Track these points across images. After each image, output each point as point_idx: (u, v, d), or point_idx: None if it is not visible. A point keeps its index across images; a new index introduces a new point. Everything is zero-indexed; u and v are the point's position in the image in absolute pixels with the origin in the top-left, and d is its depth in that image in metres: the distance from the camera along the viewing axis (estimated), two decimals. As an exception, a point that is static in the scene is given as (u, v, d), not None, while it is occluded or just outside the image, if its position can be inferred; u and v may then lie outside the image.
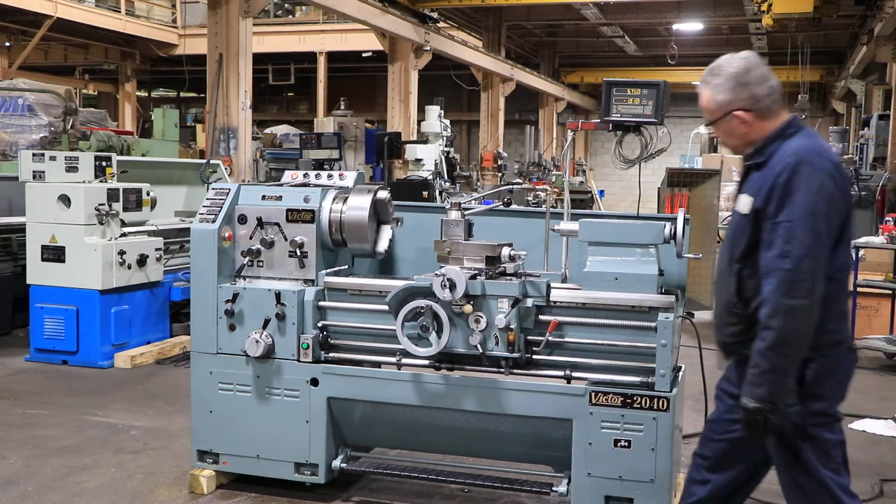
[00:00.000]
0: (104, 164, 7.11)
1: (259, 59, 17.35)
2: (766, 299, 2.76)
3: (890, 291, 7.87)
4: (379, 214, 4.40)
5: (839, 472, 2.92)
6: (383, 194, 4.40)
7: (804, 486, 2.94)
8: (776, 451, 2.97)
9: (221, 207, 4.26)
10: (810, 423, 2.87)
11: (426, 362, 4.03)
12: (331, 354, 4.20)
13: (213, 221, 4.22)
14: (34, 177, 6.99)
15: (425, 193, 11.15)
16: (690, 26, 21.59)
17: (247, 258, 4.23)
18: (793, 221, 2.74)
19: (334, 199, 4.27)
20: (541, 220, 4.40)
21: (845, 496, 2.91)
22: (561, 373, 3.92)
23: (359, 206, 4.23)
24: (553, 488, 3.96)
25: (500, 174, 18.87)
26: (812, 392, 2.86)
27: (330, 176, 4.62)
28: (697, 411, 5.00)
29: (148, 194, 7.32)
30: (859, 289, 7.79)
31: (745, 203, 2.93)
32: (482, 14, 21.68)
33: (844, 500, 2.91)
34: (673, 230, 3.88)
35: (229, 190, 4.33)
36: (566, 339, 3.93)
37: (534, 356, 3.96)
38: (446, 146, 14.10)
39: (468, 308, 3.81)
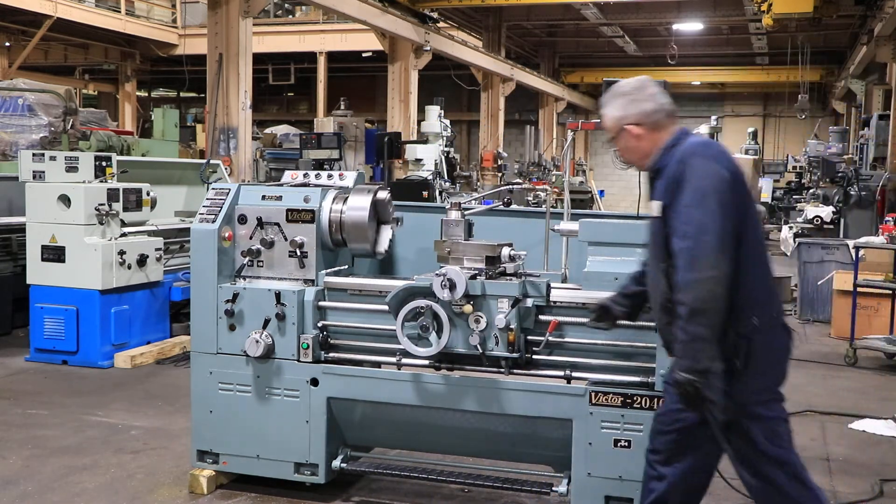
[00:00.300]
0: (104, 164, 7.11)
1: (259, 59, 17.35)
2: (677, 280, 2.94)
3: (890, 291, 7.87)
4: (379, 214, 4.40)
5: (789, 450, 3.03)
6: (383, 194, 4.40)
7: (760, 467, 3.03)
8: (725, 440, 3.04)
9: (221, 207, 4.26)
10: (752, 402, 3.01)
11: (426, 362, 4.03)
12: (331, 354, 4.20)
13: (213, 221, 4.22)
14: (34, 177, 6.99)
15: (425, 193, 11.15)
16: (690, 26, 21.60)
17: (247, 258, 4.23)
18: (688, 205, 2.94)
19: (334, 199, 4.27)
20: (541, 220, 4.40)
21: (803, 471, 3.02)
22: (561, 373, 3.92)
23: (359, 206, 4.23)
24: (553, 488, 3.96)
25: (500, 174, 18.88)
26: (748, 371, 2.99)
27: (330, 176, 4.62)
28: (697, 411, 5.01)
29: (148, 194, 7.32)
30: (859, 289, 7.79)
31: (655, 207, 3.13)
32: (482, 14, 21.68)
33: (803, 475, 3.02)
34: (673, 230, 3.88)
35: (229, 190, 4.33)
36: (566, 339, 3.93)
37: (534, 356, 3.96)
38: (446, 146, 14.11)
39: (468, 308, 3.81)
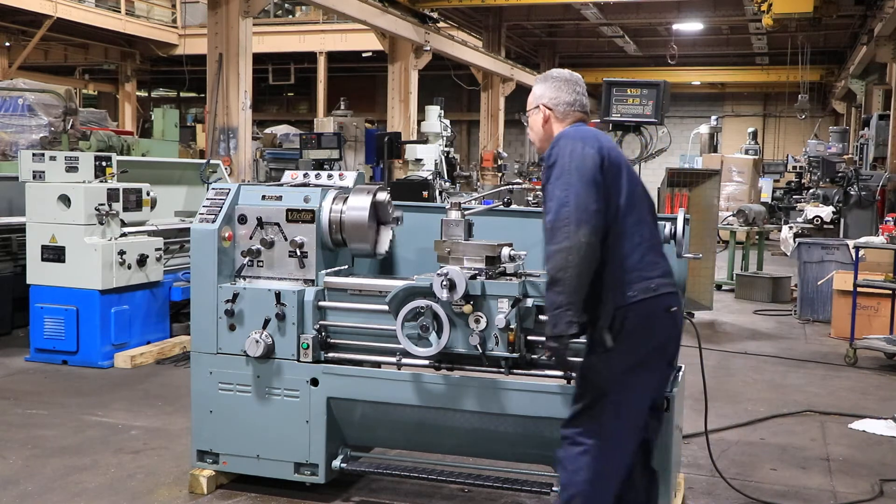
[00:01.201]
0: (104, 164, 7.10)
1: (259, 59, 17.37)
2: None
3: (890, 291, 7.87)
4: (379, 215, 4.39)
5: (620, 442, 3.15)
6: (383, 195, 4.40)
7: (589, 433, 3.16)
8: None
9: (221, 207, 4.26)
10: (614, 373, 3.12)
11: (426, 362, 4.02)
12: (331, 354, 4.20)
13: (213, 221, 4.22)
14: (34, 177, 6.99)
15: (425, 193, 11.15)
16: (690, 26, 21.61)
17: (247, 258, 4.23)
18: (552, 182, 3.11)
19: (334, 199, 4.27)
20: (541, 220, 4.38)
21: (616, 463, 3.15)
22: (561, 373, 3.92)
23: (359, 207, 4.23)
24: (553, 488, 3.96)
25: (500, 174, 18.88)
26: (622, 344, 3.09)
27: (330, 176, 4.61)
28: (697, 411, 5.01)
29: (148, 194, 7.31)
30: (859, 289, 7.79)
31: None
32: (482, 14, 21.68)
33: (611, 464, 3.14)
34: (673, 230, 3.88)
35: (229, 190, 4.33)
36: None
37: (534, 356, 3.95)
38: (446, 146, 14.10)
39: (468, 308, 3.80)
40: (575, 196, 3.02)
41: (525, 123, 3.50)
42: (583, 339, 3.24)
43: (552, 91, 3.38)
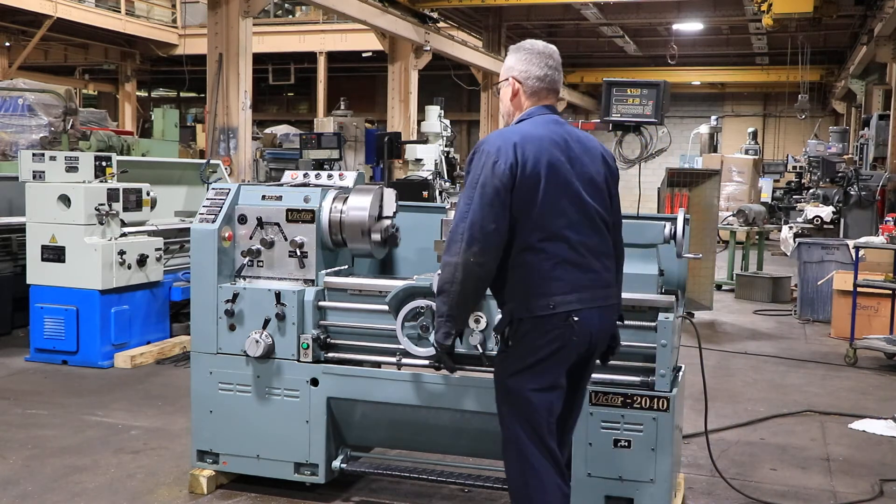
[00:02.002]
0: (104, 164, 7.10)
1: (259, 59, 17.36)
2: None
3: (890, 291, 7.87)
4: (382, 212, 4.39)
5: (533, 435, 3.09)
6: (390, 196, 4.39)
7: (503, 437, 3.18)
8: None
9: (221, 207, 4.26)
10: (510, 375, 3.12)
11: (426, 362, 4.02)
12: (331, 354, 4.20)
13: (213, 221, 4.22)
14: (34, 177, 6.99)
15: (425, 193, 11.15)
16: (690, 26, 21.59)
17: (247, 258, 4.23)
18: (462, 192, 3.08)
19: (334, 199, 4.27)
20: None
21: (535, 458, 3.08)
22: (561, 373, 3.91)
23: (359, 206, 4.23)
24: (553, 488, 3.95)
25: (500, 174, 18.83)
26: (515, 351, 3.10)
27: (330, 176, 4.61)
28: (697, 411, 5.01)
29: (148, 194, 7.31)
30: (859, 289, 7.79)
31: None
32: (482, 14, 21.67)
33: (532, 460, 3.08)
34: (673, 230, 3.88)
35: (229, 190, 4.33)
36: (566, 339, 3.93)
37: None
38: (446, 146, 14.09)
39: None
40: (473, 213, 3.00)
41: (496, 95, 3.42)
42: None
43: (523, 63, 3.24)
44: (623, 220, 4.03)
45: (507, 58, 3.31)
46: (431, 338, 3.19)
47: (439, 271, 3.11)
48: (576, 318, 3.06)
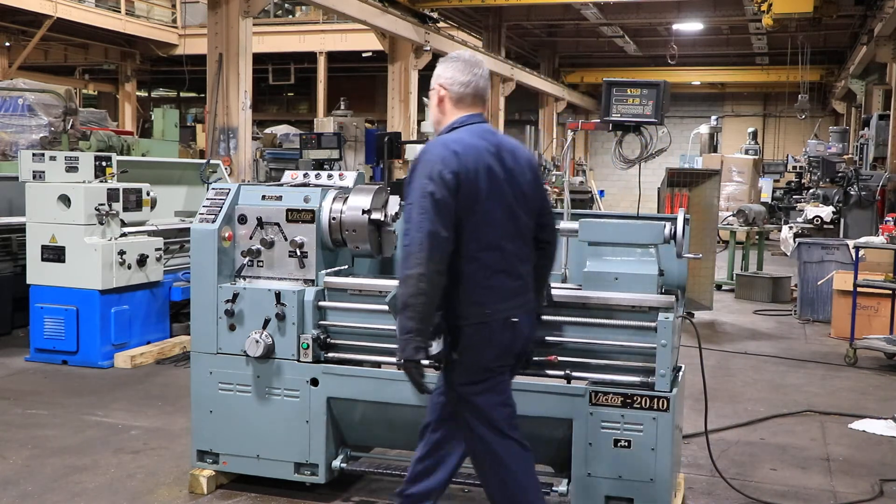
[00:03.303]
0: (104, 164, 7.10)
1: (259, 59, 17.35)
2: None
3: (890, 291, 7.87)
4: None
5: (499, 432, 3.21)
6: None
7: (469, 443, 3.28)
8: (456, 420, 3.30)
9: (221, 207, 4.26)
10: (461, 384, 3.21)
11: (426, 362, 4.01)
12: (331, 354, 4.20)
13: (213, 221, 4.22)
14: (34, 177, 6.99)
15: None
16: (690, 26, 21.59)
17: (247, 258, 4.23)
18: (410, 203, 3.11)
19: (334, 199, 4.27)
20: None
21: (505, 453, 3.22)
22: (561, 373, 3.92)
23: (359, 207, 4.23)
24: (553, 488, 3.96)
25: (500, 174, 18.83)
26: (463, 358, 3.18)
27: (330, 176, 4.61)
28: (697, 411, 5.01)
29: (148, 194, 7.31)
30: (859, 289, 7.79)
31: None
32: (482, 14, 21.67)
33: (504, 457, 3.22)
34: (673, 230, 3.88)
35: (229, 190, 4.33)
36: (566, 339, 3.93)
37: (534, 356, 3.95)
38: (446, 146, 14.08)
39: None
40: (429, 223, 3.03)
41: (425, 103, 3.49)
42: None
43: (449, 71, 3.33)
44: (623, 220, 4.04)
45: (436, 68, 3.40)
46: (396, 358, 3.14)
47: (399, 286, 3.07)
48: (514, 320, 3.19)
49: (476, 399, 3.21)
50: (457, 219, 3.09)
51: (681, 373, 4.06)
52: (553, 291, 3.94)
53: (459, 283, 3.15)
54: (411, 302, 3.04)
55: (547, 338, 3.94)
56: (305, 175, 4.66)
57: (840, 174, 14.40)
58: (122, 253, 6.90)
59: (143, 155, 10.20)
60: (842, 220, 13.64)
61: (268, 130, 18.07)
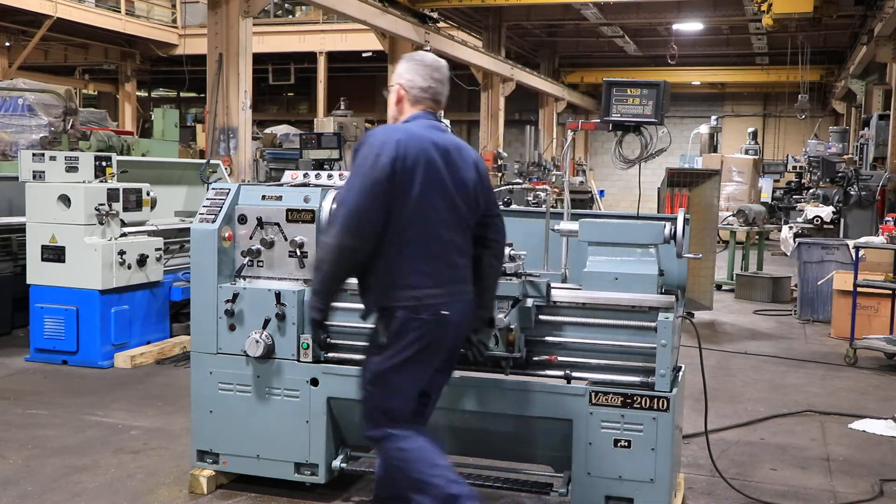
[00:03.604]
0: (104, 164, 7.10)
1: (259, 59, 17.35)
2: None
3: (890, 291, 7.87)
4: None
5: (400, 416, 3.36)
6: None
7: (366, 416, 3.44)
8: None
9: (221, 207, 4.26)
10: (382, 366, 3.32)
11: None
12: (331, 354, 4.20)
13: (213, 221, 4.22)
14: (34, 177, 6.99)
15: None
16: (690, 26, 21.60)
17: (247, 258, 4.23)
18: (345, 179, 3.39)
19: (334, 199, 4.27)
20: (541, 220, 4.40)
21: (404, 435, 3.33)
22: (561, 373, 3.92)
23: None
24: (553, 488, 3.96)
25: (500, 174, 18.87)
26: (391, 344, 3.29)
27: (330, 176, 4.61)
28: (697, 411, 5.01)
29: (148, 194, 7.31)
30: (859, 289, 7.79)
31: None
32: (482, 14, 21.68)
33: (401, 440, 3.33)
34: (673, 230, 3.89)
35: (229, 190, 4.33)
36: (566, 339, 3.93)
37: (534, 356, 3.96)
38: (446, 146, 14.08)
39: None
40: (354, 201, 3.19)
41: (385, 97, 3.62)
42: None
43: (410, 73, 3.48)
44: (623, 220, 4.04)
45: (398, 64, 3.55)
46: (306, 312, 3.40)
47: (317, 251, 3.34)
48: (444, 312, 3.27)
49: (393, 381, 3.33)
50: (392, 203, 3.22)
51: (681, 373, 4.06)
52: (553, 291, 3.95)
53: (394, 265, 3.27)
54: (319, 266, 3.30)
55: (547, 338, 3.95)
56: (305, 175, 4.66)
57: (840, 174, 14.40)
58: (122, 253, 6.90)
59: (143, 155, 10.20)
60: (842, 220, 13.64)
61: (268, 130, 18.07)
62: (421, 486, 3.30)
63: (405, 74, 3.49)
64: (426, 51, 16.53)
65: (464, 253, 3.41)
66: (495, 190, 3.75)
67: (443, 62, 3.58)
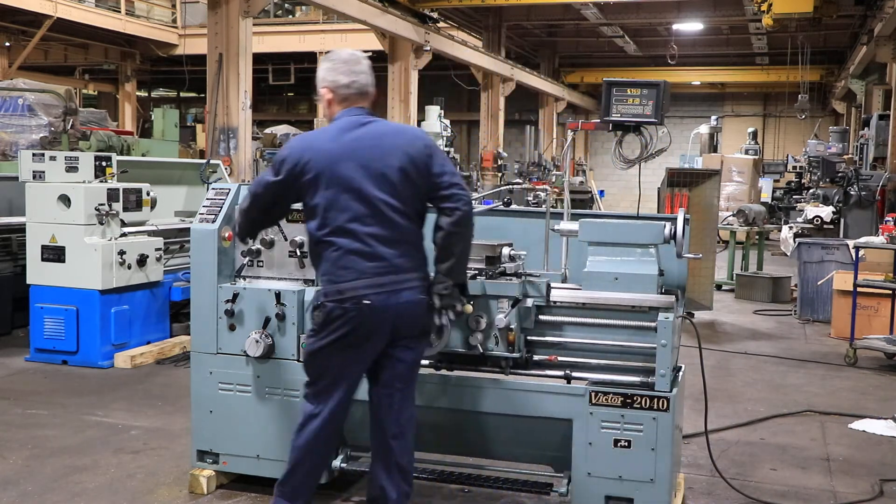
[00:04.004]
0: (104, 164, 7.10)
1: (259, 59, 17.35)
2: None
3: (890, 291, 7.87)
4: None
5: (317, 394, 3.55)
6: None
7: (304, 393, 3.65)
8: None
9: (221, 207, 4.26)
10: (312, 347, 3.51)
11: (426, 362, 4.02)
12: (331, 354, 4.19)
13: (213, 221, 4.22)
14: (34, 177, 6.99)
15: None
16: (690, 26, 21.60)
17: (247, 258, 4.23)
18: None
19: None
20: (541, 220, 4.40)
21: (308, 416, 3.56)
22: (561, 373, 3.92)
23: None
24: (553, 488, 3.96)
25: (500, 174, 18.88)
26: (319, 330, 3.48)
27: (330, 176, 4.60)
28: (697, 411, 5.01)
29: (148, 194, 7.31)
30: (859, 289, 7.79)
31: None
32: (482, 14, 21.68)
33: (304, 416, 3.57)
34: (673, 230, 3.88)
35: (229, 190, 4.33)
36: (566, 339, 3.93)
37: (534, 356, 3.96)
38: (446, 146, 14.11)
39: (468, 308, 3.80)
40: (254, 189, 3.65)
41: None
42: None
43: (331, 74, 3.62)
44: (623, 220, 4.03)
45: (319, 68, 3.67)
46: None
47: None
48: (367, 302, 3.38)
49: (320, 362, 3.52)
50: (302, 205, 3.53)
51: (681, 373, 4.06)
52: (553, 291, 3.95)
53: (320, 263, 3.51)
54: (237, 212, 3.80)
55: (547, 338, 3.95)
56: (305, 175, 4.65)
57: (840, 174, 14.41)
58: (122, 253, 6.90)
59: (143, 155, 10.20)
60: (842, 220, 13.64)
61: (268, 130, 18.08)
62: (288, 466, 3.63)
63: (327, 77, 3.62)
64: (426, 50, 16.57)
65: (393, 243, 3.46)
66: (494, 190, 3.76)
67: (360, 54, 3.69)
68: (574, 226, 4.03)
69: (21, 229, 7.37)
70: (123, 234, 7.02)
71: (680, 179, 8.69)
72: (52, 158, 7.02)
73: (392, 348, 3.53)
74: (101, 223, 6.86)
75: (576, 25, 23.14)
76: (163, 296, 7.46)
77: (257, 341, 4.10)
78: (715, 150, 19.24)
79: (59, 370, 6.82)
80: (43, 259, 6.91)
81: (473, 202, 3.62)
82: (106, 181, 7.04)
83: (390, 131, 3.60)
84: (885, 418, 5.88)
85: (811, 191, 17.80)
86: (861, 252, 7.99)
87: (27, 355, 7.08)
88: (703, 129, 19.77)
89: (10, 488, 4.39)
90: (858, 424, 5.80)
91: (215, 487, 4.35)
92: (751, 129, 21.87)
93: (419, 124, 15.53)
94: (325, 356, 3.50)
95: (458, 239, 3.53)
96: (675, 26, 21.45)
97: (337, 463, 4.19)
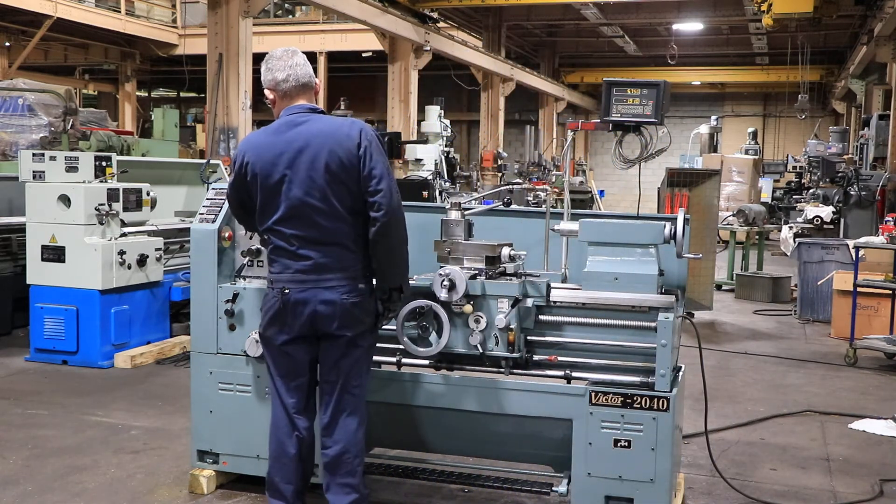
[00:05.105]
0: (104, 164, 7.10)
1: (259, 59, 17.32)
2: None
3: (890, 291, 7.87)
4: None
5: (272, 378, 3.73)
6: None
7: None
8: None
9: (221, 207, 4.26)
10: (261, 329, 3.71)
11: (426, 362, 4.02)
12: (331, 354, 4.19)
13: (213, 221, 4.22)
14: (34, 177, 6.99)
15: (425, 193, 11.14)
16: (690, 26, 21.61)
17: (247, 258, 4.23)
18: None
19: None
20: (541, 220, 4.40)
21: (278, 403, 3.71)
22: (561, 373, 3.92)
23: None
24: (553, 488, 3.96)
25: (500, 174, 18.86)
26: (262, 313, 3.69)
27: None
28: (697, 411, 5.02)
29: (148, 194, 7.31)
30: (859, 289, 7.79)
31: None
32: (482, 14, 21.68)
33: (275, 401, 3.73)
34: (673, 230, 3.88)
35: (229, 190, 4.33)
36: (566, 339, 3.93)
37: (534, 356, 3.96)
38: (446, 146, 14.08)
39: (468, 308, 3.81)
40: (228, 186, 3.79)
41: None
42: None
43: (270, 74, 3.68)
44: (623, 220, 4.03)
45: (262, 72, 3.72)
46: None
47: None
48: (286, 291, 3.55)
49: (266, 343, 3.71)
50: (250, 203, 3.67)
51: (681, 373, 4.06)
52: (553, 291, 3.95)
53: (267, 255, 3.73)
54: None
55: (547, 338, 3.95)
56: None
57: (840, 174, 14.41)
58: (122, 253, 6.90)
59: (143, 155, 10.19)
60: (842, 220, 13.64)
61: (268, 130, 18.03)
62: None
63: (266, 77, 3.68)
64: (426, 50, 16.57)
65: (319, 243, 3.54)
66: (494, 190, 3.77)
67: (294, 48, 3.76)
68: (574, 226, 4.03)
69: (21, 229, 7.37)
70: (123, 234, 7.02)
71: (680, 179, 8.69)
72: (52, 158, 7.02)
73: (323, 342, 3.64)
74: (101, 223, 6.86)
75: (576, 25, 23.15)
76: (163, 296, 7.46)
77: (257, 341, 4.10)
78: (715, 150, 19.24)
79: (59, 370, 6.82)
80: (43, 259, 6.91)
81: (401, 203, 3.62)
82: (106, 181, 7.04)
83: (323, 131, 3.62)
84: (885, 418, 5.88)
85: (811, 191, 17.80)
86: (861, 252, 7.99)
87: (27, 355, 7.08)
88: (703, 129, 19.77)
89: (10, 488, 4.39)
90: (858, 424, 5.80)
91: (215, 487, 4.35)
92: (751, 129, 21.86)
93: (419, 124, 15.51)
94: (266, 341, 3.69)
95: (381, 247, 3.58)
96: (675, 26, 21.46)
97: (337, 463, 4.18)
